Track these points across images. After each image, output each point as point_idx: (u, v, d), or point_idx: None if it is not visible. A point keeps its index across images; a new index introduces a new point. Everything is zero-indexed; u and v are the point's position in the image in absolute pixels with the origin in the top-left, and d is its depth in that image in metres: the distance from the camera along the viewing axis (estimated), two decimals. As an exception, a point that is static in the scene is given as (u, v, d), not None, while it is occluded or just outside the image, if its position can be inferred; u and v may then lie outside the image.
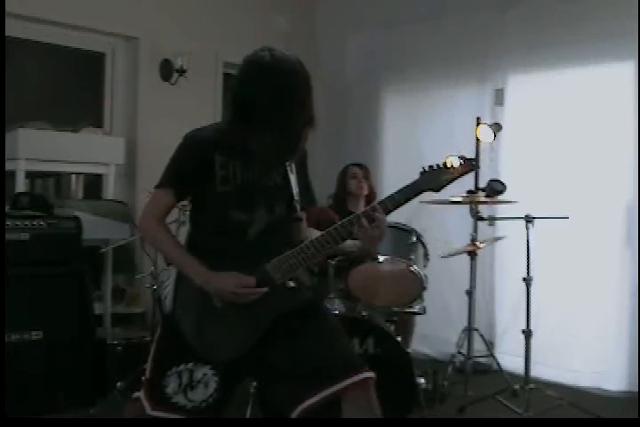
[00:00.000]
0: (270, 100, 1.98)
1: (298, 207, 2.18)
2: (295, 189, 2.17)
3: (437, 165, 2.02)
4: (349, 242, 2.16)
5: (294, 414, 1.99)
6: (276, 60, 2.00)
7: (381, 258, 3.38)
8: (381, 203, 2.01)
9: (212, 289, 2.04)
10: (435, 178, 2.01)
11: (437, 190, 2.02)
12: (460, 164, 2.01)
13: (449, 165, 2.00)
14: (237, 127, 2.07)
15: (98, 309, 4.06)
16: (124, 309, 4.53)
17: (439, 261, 3.80)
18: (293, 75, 2.02)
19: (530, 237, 3.52)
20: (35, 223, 3.45)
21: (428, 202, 3.30)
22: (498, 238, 4.09)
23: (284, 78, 2.00)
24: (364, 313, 3.28)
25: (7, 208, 3.66)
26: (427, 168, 2.02)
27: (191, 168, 2.09)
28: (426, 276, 3.46)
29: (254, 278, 2.03)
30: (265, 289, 2.03)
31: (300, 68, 2.04)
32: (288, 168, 2.16)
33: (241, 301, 2.03)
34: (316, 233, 2.11)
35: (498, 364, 4.09)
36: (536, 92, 4.51)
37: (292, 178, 2.17)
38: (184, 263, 2.07)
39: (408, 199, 2.01)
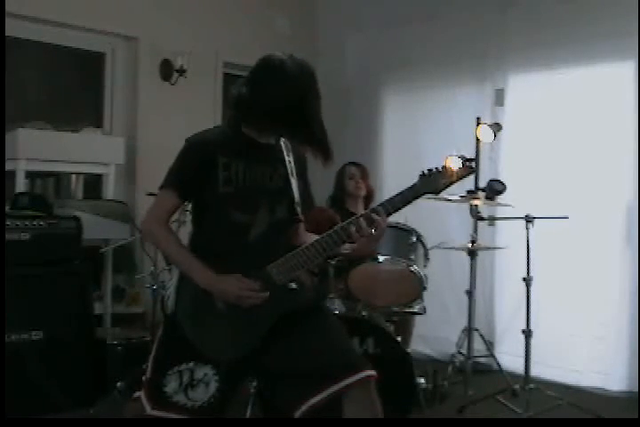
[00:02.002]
0: (290, 103, 2.01)
1: (298, 210, 2.19)
2: (296, 192, 2.18)
3: (437, 169, 2.04)
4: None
5: (296, 414, 1.99)
6: (296, 64, 2.04)
7: (381, 258, 3.38)
8: (382, 205, 2.04)
9: (215, 291, 2.04)
10: (434, 181, 2.03)
11: (437, 193, 2.05)
12: (459, 167, 2.03)
13: (448, 168, 2.02)
14: (247, 129, 2.10)
15: (98, 309, 4.07)
16: (124, 309, 4.54)
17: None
18: (311, 79, 2.06)
19: (530, 237, 3.53)
20: (35, 223, 3.45)
21: (429, 198, 3.30)
22: (498, 248, 4.12)
23: (304, 82, 2.04)
24: (364, 313, 3.28)
25: (7, 208, 3.66)
26: (426, 171, 2.04)
27: (194, 170, 2.09)
28: (426, 276, 3.46)
29: (258, 282, 2.04)
30: (267, 294, 2.04)
31: (314, 72, 2.08)
32: (289, 171, 2.17)
33: (243, 303, 2.03)
34: (313, 237, 2.12)
35: (498, 364, 4.09)
36: (536, 92, 4.51)
37: (294, 181, 2.18)
38: (187, 265, 2.08)
39: (408, 202, 2.04)
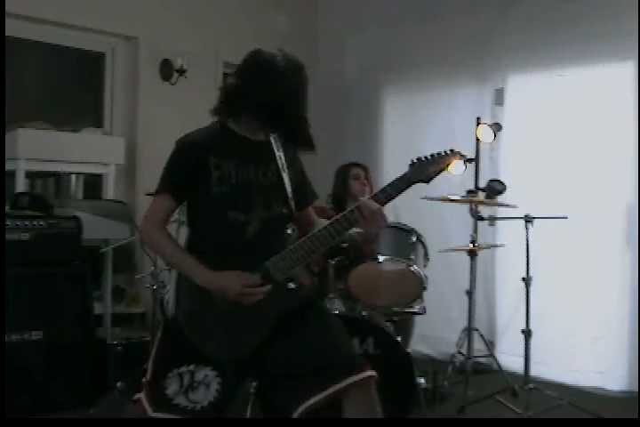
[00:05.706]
0: (279, 101, 2.02)
1: (293, 205, 2.20)
2: (289, 188, 2.19)
3: (425, 157, 2.07)
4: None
5: (296, 414, 1.99)
6: (286, 61, 2.05)
7: (381, 258, 3.38)
8: (375, 196, 2.07)
9: (215, 289, 2.03)
10: (423, 169, 2.06)
11: (427, 181, 2.08)
12: (446, 153, 2.05)
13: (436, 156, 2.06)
14: (236, 126, 2.13)
15: (98, 309, 4.06)
16: (124, 309, 4.53)
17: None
18: (299, 74, 2.06)
19: (530, 237, 3.52)
20: (35, 223, 3.45)
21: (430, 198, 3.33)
22: (496, 245, 4.12)
23: (293, 77, 2.05)
24: (364, 313, 3.28)
25: (7, 208, 3.66)
26: (415, 160, 2.07)
27: (186, 172, 2.10)
28: (426, 276, 3.45)
29: (258, 277, 2.04)
30: (269, 288, 2.03)
31: (303, 67, 2.08)
32: (280, 167, 2.18)
33: (245, 301, 2.02)
34: (324, 222, 2.13)
35: (498, 364, 4.08)
36: (536, 92, 4.51)
37: (285, 176, 2.19)
38: (187, 266, 2.07)
39: (400, 191, 2.06)
